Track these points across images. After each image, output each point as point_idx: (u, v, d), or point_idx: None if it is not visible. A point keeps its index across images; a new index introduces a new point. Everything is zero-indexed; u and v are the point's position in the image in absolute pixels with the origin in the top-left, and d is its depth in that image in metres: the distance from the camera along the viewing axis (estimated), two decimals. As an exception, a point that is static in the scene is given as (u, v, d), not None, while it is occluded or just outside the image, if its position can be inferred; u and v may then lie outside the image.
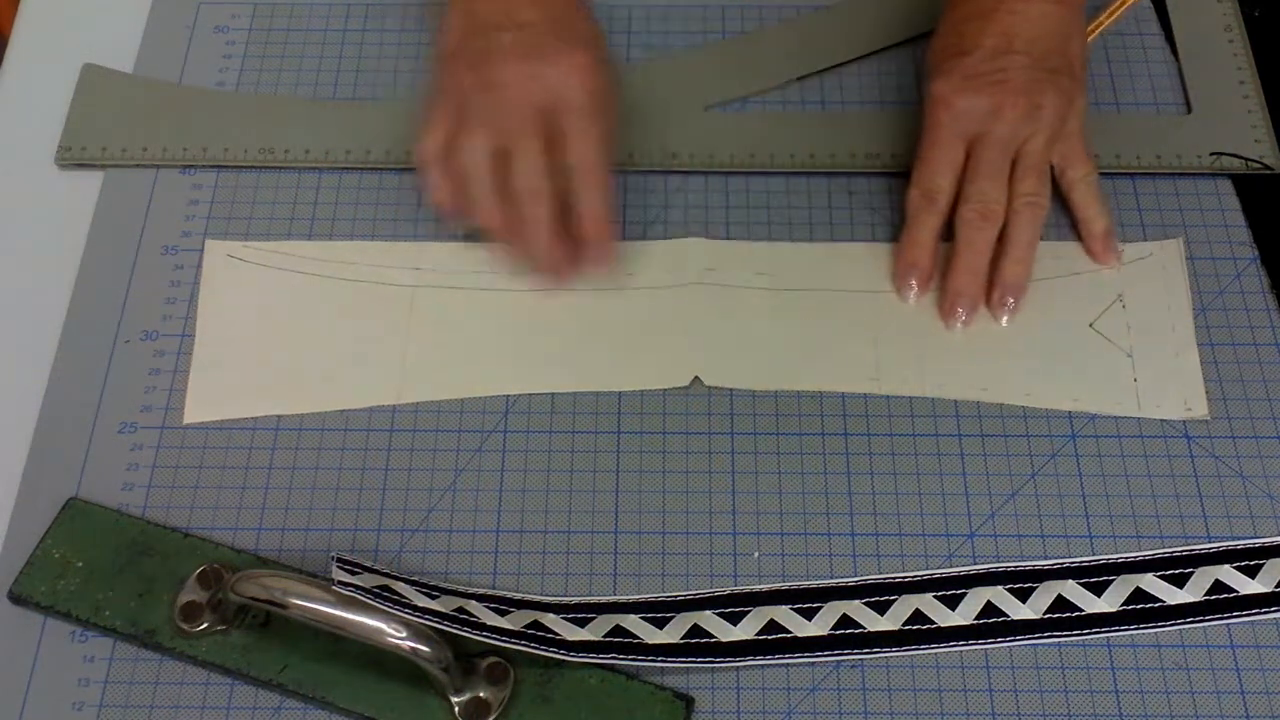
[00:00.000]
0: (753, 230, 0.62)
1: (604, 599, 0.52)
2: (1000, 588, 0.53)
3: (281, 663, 0.50)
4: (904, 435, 0.56)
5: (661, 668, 0.50)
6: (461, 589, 0.52)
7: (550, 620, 0.51)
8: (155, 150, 0.63)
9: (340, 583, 0.47)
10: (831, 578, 0.53)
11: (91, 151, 0.63)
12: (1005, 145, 0.58)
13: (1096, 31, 0.67)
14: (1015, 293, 0.59)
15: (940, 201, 0.59)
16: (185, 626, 0.51)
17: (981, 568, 0.53)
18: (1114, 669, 0.51)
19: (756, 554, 0.54)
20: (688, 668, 0.51)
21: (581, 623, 0.51)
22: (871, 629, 0.52)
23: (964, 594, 0.52)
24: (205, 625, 0.51)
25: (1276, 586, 0.52)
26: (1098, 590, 0.52)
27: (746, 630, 0.51)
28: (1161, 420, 0.57)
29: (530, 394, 0.57)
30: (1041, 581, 0.53)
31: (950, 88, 0.58)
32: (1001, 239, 0.59)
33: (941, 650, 0.51)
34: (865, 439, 0.56)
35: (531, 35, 0.57)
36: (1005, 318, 0.59)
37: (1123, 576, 0.53)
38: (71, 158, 0.63)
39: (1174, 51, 0.68)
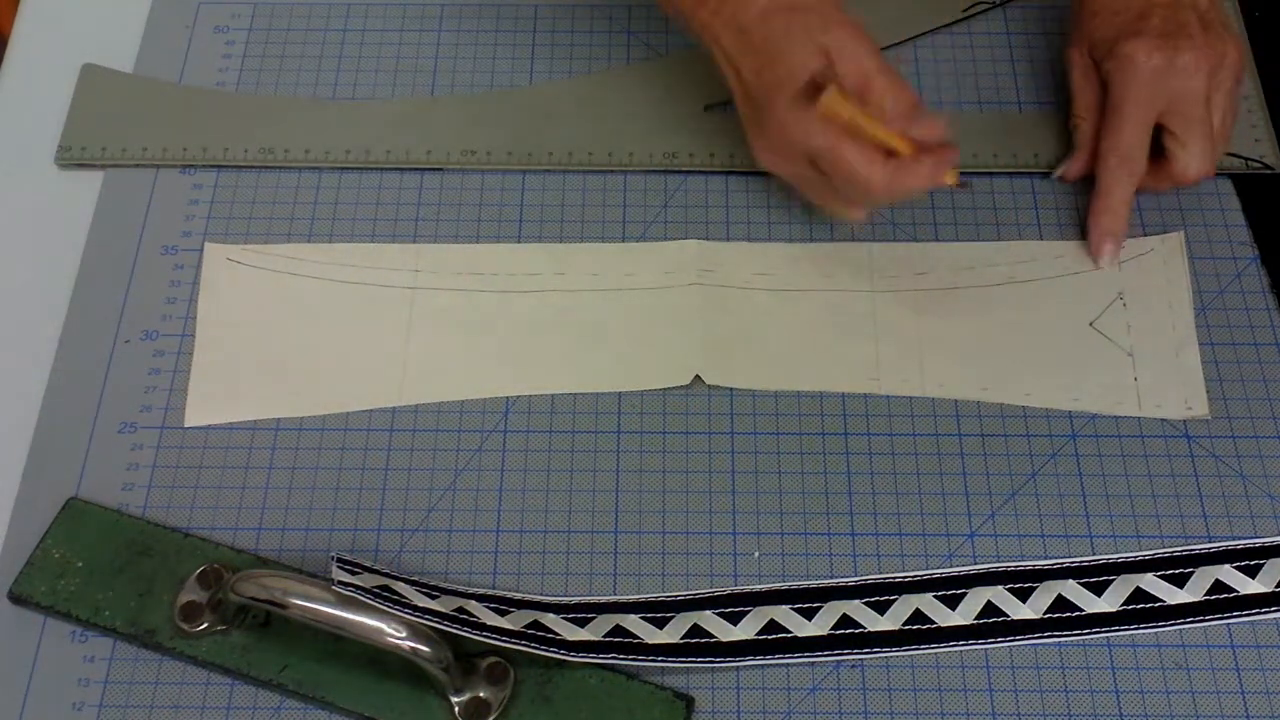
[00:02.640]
0: (753, 230, 0.62)
1: (604, 599, 0.52)
2: (1000, 588, 0.53)
3: (281, 663, 0.50)
4: (904, 435, 0.56)
5: (661, 668, 0.50)
6: (461, 589, 0.52)
7: (550, 620, 0.51)
8: (155, 150, 0.63)
9: (340, 583, 0.47)
10: (831, 578, 0.53)
11: (91, 151, 0.63)
12: (1203, 100, 0.58)
13: None
14: None
15: (1138, 166, 0.59)
16: (185, 626, 0.51)
17: (981, 568, 0.53)
18: (1114, 669, 0.51)
19: (756, 554, 0.54)
20: (688, 668, 0.51)
21: (581, 623, 0.51)
22: (871, 629, 0.52)
23: (964, 594, 0.52)
24: (205, 625, 0.51)
25: (1276, 586, 0.52)
26: (1098, 590, 0.52)
27: (746, 630, 0.51)
28: (1162, 420, 0.57)
29: (530, 394, 0.57)
30: (1041, 581, 0.53)
31: (1141, 46, 0.58)
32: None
33: (941, 650, 0.51)
34: (865, 439, 0.56)
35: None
36: None
37: (1123, 576, 0.53)
38: (71, 158, 0.63)
39: (1174, 51, 0.67)
